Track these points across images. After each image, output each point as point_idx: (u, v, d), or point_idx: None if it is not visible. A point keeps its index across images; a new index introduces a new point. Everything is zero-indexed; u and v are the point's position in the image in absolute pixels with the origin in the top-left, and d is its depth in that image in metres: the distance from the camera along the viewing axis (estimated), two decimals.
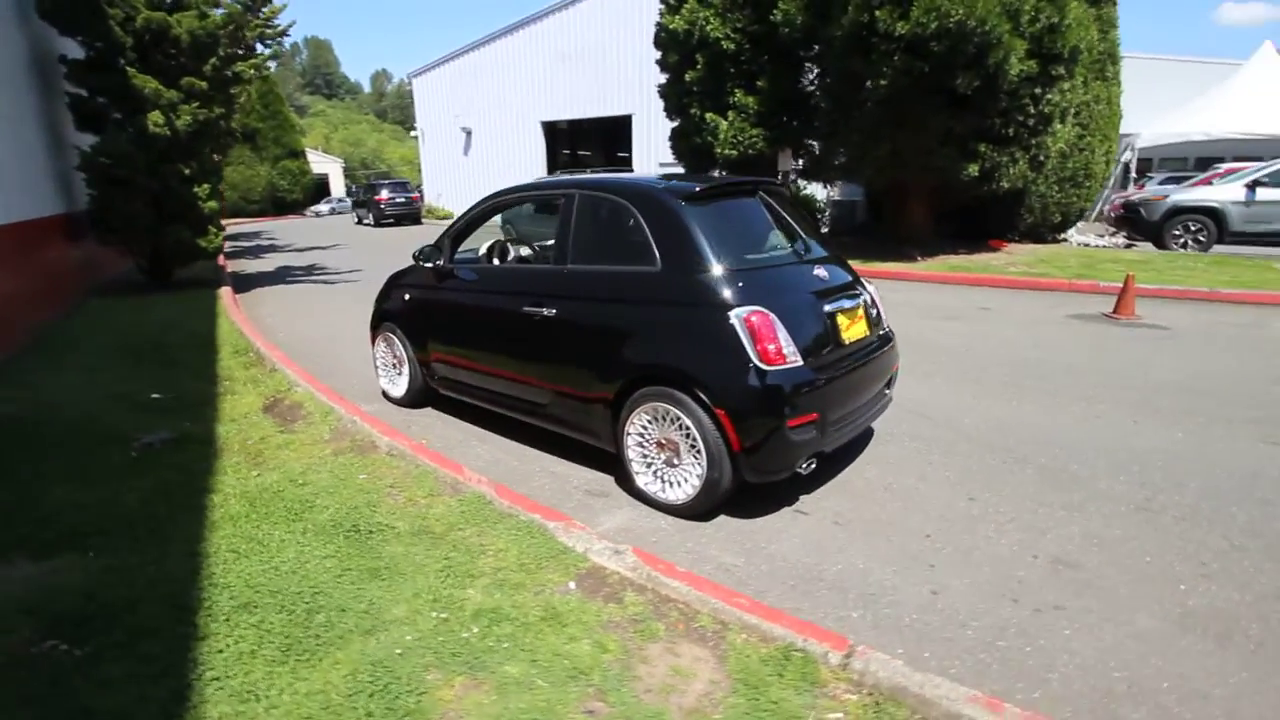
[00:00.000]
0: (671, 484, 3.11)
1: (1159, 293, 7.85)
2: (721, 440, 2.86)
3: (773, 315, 2.88)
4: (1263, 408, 4.38)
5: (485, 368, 3.99)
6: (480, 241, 4.50)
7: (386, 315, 4.71)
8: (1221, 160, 21.65)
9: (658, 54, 13.31)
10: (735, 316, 2.85)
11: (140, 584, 2.39)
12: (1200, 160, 23.05)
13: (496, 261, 4.36)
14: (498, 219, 4.57)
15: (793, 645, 2.03)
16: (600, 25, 22.55)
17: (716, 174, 13.24)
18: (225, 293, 9.40)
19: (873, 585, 2.57)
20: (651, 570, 2.43)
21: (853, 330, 3.30)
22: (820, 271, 3.39)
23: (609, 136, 29.30)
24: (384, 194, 25.91)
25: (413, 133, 31.28)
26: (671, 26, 11.97)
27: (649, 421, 3.11)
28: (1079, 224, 13.78)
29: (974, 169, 9.91)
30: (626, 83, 22.31)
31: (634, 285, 3.16)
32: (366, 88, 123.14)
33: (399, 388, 4.75)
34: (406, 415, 4.61)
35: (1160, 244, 11.61)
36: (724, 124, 11.82)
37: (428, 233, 23.05)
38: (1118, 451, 3.77)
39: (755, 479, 2.94)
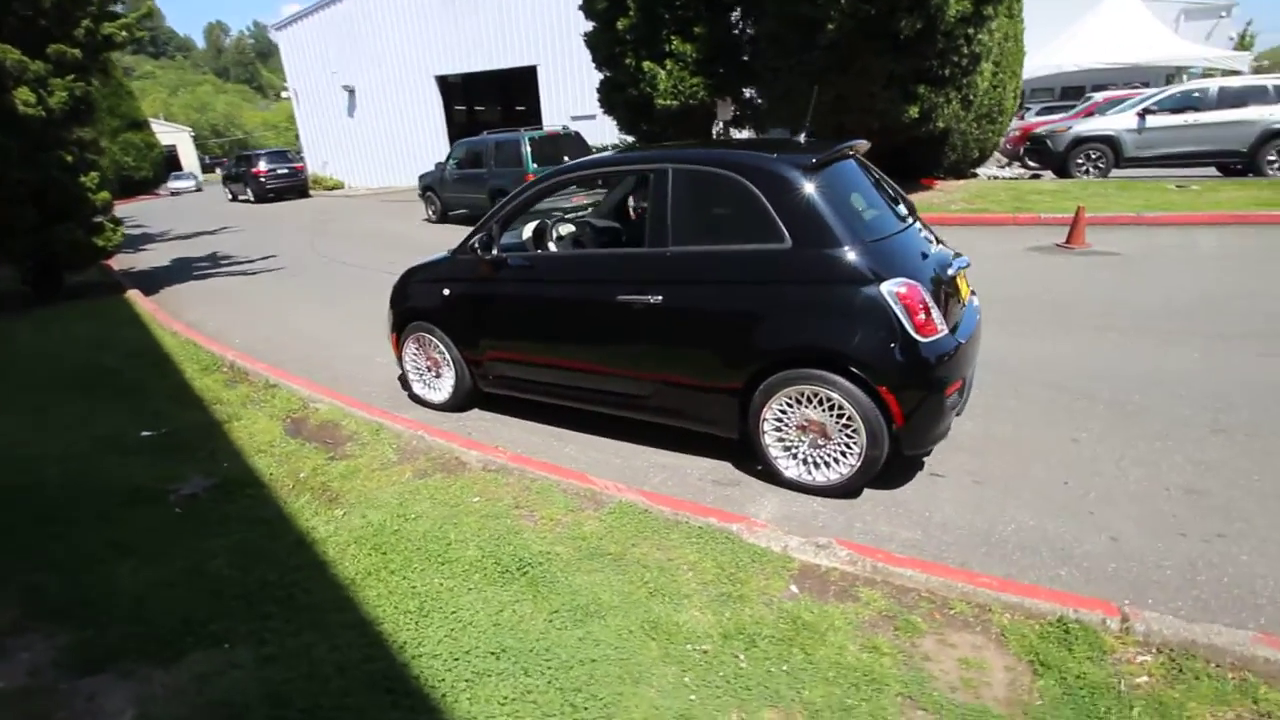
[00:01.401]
0: (819, 465, 3.05)
1: (1092, 220, 8.55)
2: (881, 417, 2.82)
3: (919, 285, 2.84)
4: (1244, 322, 4.91)
5: (562, 362, 3.70)
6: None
7: (417, 314, 4.24)
8: (1082, 89, 23.80)
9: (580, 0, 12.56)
10: (885, 290, 2.78)
11: (327, 672, 2.05)
12: (1065, 90, 25.19)
13: (552, 246, 4.00)
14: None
15: (1065, 618, 2.07)
16: None
17: (646, 127, 12.90)
18: (135, 297, 8.15)
19: (1055, 540, 2.67)
20: (873, 561, 2.39)
21: (964, 291, 3.34)
22: (926, 234, 3.37)
23: (510, 90, 27.74)
24: (262, 166, 23.27)
25: (284, 94, 28.07)
26: None
27: (787, 405, 3.02)
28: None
29: (914, 110, 10.23)
30: (530, 31, 21.04)
31: (759, 265, 3.00)
32: (200, 43, 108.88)
33: (439, 392, 4.34)
34: (458, 421, 4.23)
35: (1065, 173, 12.65)
36: (662, 73, 11.45)
37: (323, 206, 21.08)
38: (1158, 377, 4.11)
39: (913, 452, 2.95)
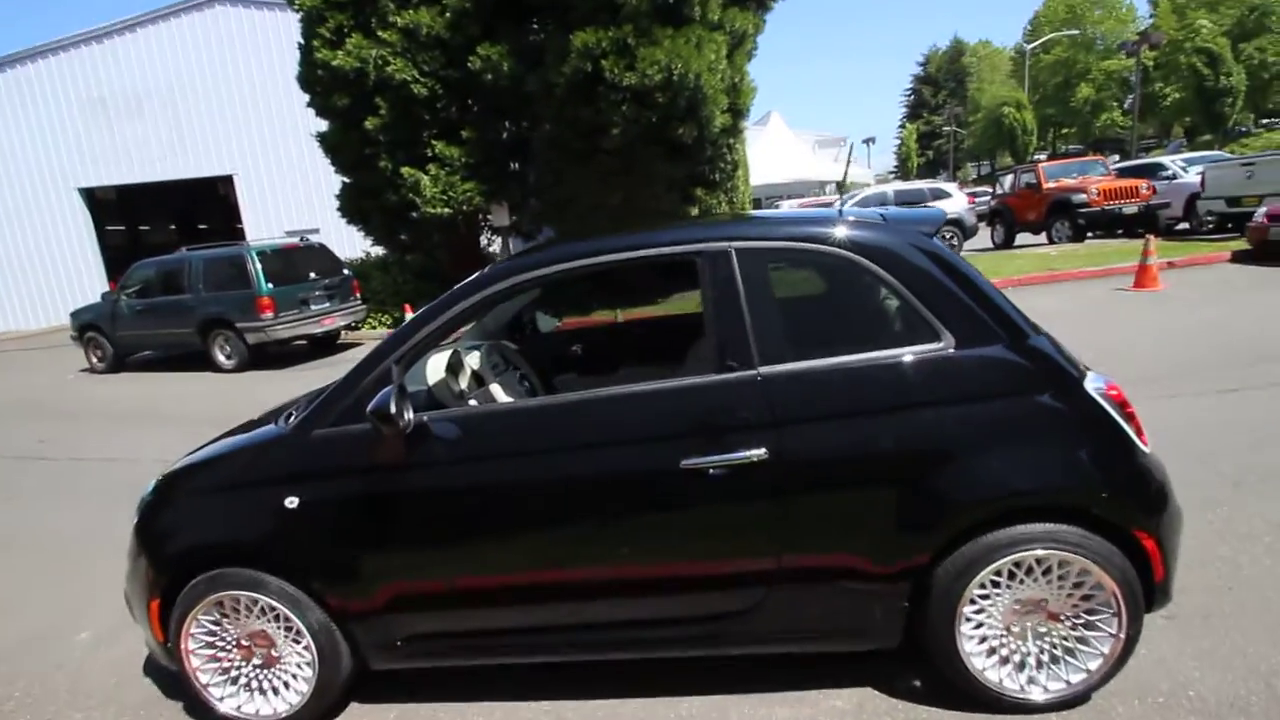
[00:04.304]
0: (1044, 665, 2.01)
1: None
2: (1138, 576, 1.94)
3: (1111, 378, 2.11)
4: (1171, 367, 5.26)
5: (564, 581, 2.11)
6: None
7: (215, 555, 2.19)
8: (759, 201, 28.90)
9: (308, 96, 10.74)
10: (1095, 391, 1.98)
11: None
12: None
13: (497, 390, 2.42)
14: None
15: None
16: (168, 63, 17.42)
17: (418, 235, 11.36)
18: None
19: None
20: None
21: None
22: None
23: (193, 205, 23.22)
24: None
25: None
26: (335, 63, 9.70)
27: (991, 585, 1.96)
28: None
29: (694, 211, 10.63)
30: (222, 136, 17.76)
31: (915, 379, 1.96)
32: None
33: (282, 697, 2.25)
34: None
35: None
36: (426, 179, 10.10)
37: None
38: (1202, 431, 3.93)
39: (1154, 610, 2.10)
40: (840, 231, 2.06)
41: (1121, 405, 2.00)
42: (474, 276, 2.21)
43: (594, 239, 2.27)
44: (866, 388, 1.96)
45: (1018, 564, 1.94)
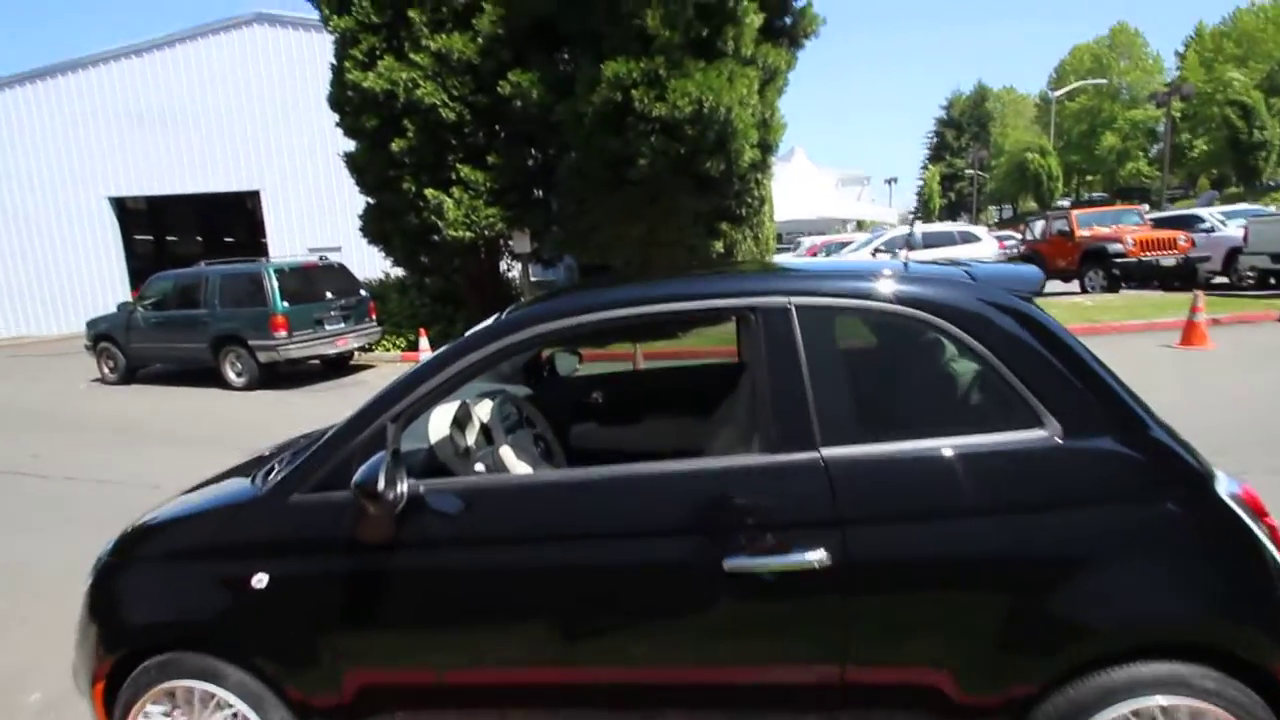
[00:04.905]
0: None
1: None
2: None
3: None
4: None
5: (578, 686, 1.77)
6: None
7: (166, 637, 1.88)
8: (779, 235, 28.85)
9: (338, 116, 10.73)
10: (1229, 496, 1.63)
11: None
12: None
13: (506, 454, 2.11)
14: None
15: None
16: (204, 79, 17.76)
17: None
18: None
19: None
20: None
21: None
22: None
23: (220, 217, 23.53)
24: None
25: None
26: (365, 85, 9.68)
27: None
28: None
29: (719, 246, 10.40)
30: (251, 152, 17.99)
31: (1008, 473, 1.63)
32: None
33: None
34: None
35: None
36: (450, 202, 9.99)
37: None
38: None
39: None
40: (921, 290, 1.75)
41: (1259, 514, 1.65)
42: (489, 323, 1.93)
43: (628, 285, 1.98)
44: (955, 482, 1.63)
45: (1137, 713, 1.57)
